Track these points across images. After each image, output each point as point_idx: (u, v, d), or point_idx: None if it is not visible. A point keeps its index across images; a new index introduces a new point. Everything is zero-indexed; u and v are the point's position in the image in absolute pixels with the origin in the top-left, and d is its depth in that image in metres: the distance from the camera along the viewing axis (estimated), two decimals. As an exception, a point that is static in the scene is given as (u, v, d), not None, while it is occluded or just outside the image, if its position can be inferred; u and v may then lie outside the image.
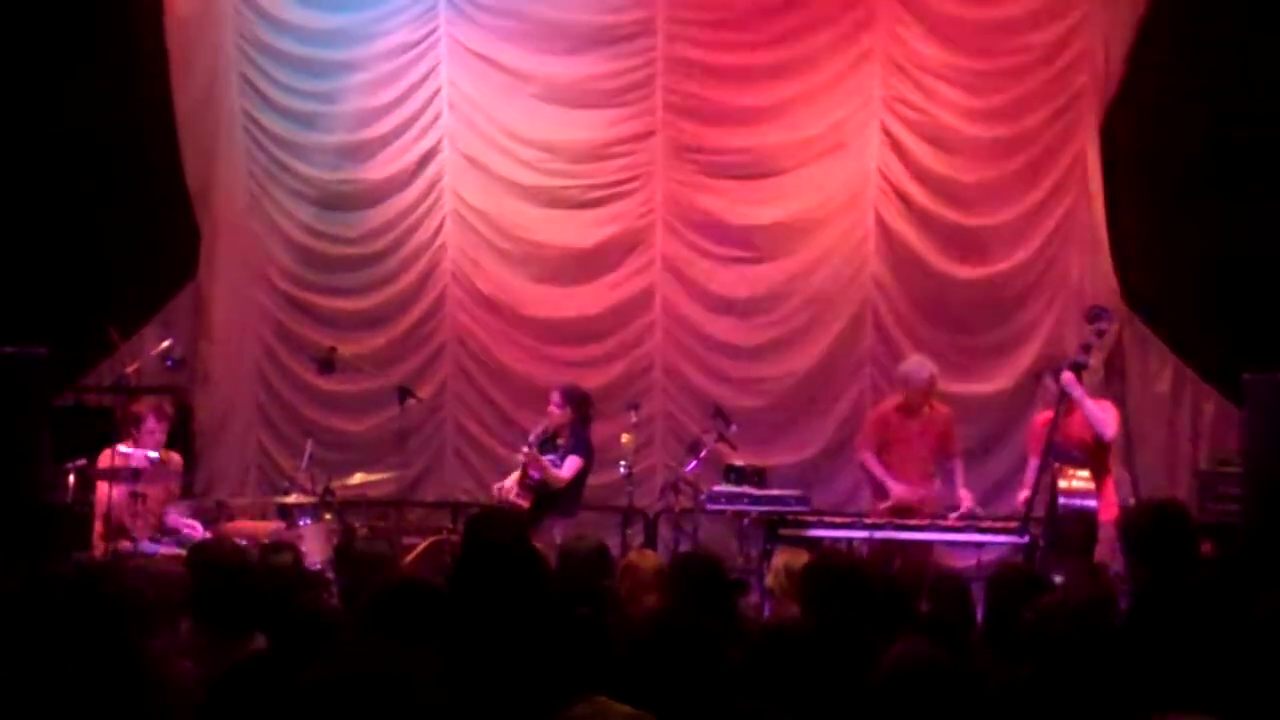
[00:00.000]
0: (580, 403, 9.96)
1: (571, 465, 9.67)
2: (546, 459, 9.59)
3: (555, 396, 9.92)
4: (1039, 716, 4.08)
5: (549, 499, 9.64)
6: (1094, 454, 8.84)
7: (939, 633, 4.79)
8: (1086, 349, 8.80)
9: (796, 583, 5.94)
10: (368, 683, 3.17)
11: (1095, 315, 8.93)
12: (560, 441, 9.85)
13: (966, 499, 9.67)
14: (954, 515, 9.49)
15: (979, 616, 5.67)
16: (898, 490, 9.66)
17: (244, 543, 8.34)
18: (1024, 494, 9.02)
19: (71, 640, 3.98)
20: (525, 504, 9.56)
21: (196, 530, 9.33)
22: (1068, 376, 8.68)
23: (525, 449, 9.58)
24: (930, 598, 5.59)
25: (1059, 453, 8.69)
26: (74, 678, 3.58)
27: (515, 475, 9.77)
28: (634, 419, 10.38)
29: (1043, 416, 9.16)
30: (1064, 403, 8.76)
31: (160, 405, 9.52)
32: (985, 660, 4.78)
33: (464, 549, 5.20)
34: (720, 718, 3.67)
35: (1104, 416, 8.85)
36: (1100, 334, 8.80)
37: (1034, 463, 9.02)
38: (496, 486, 9.92)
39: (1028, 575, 6.01)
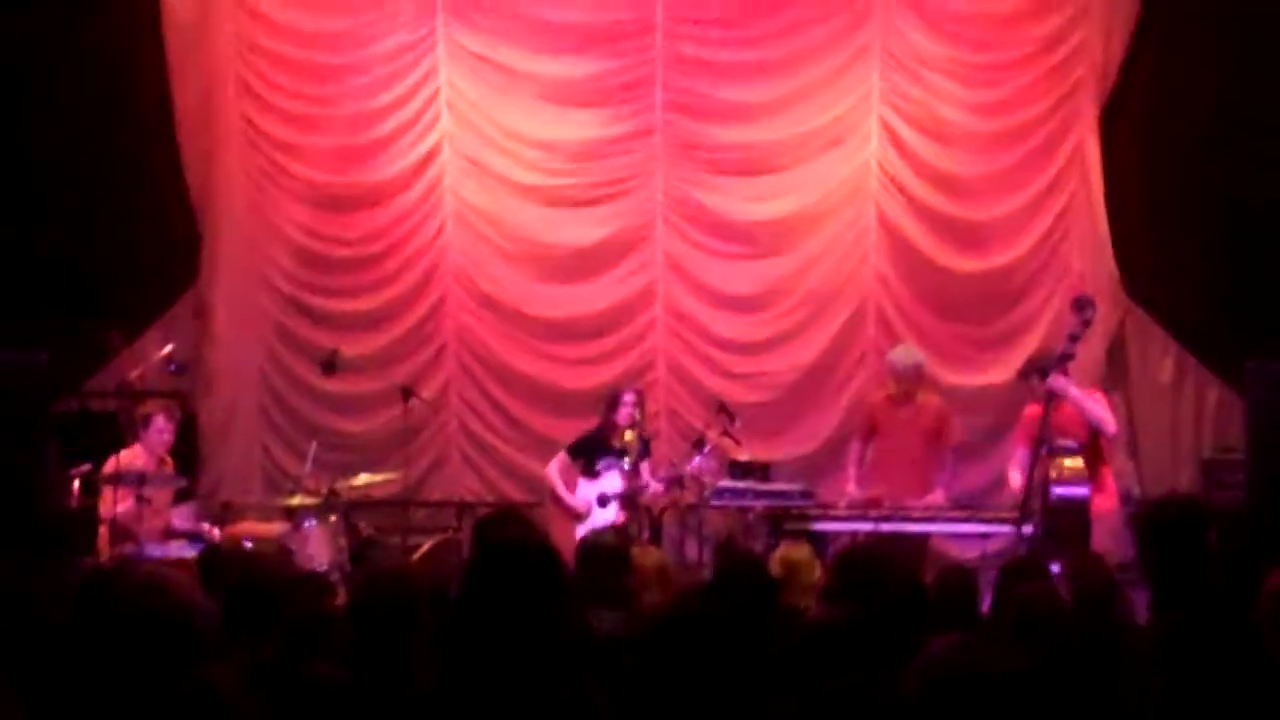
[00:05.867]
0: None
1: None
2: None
3: (631, 398, 9.98)
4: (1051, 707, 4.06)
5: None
6: (1088, 444, 8.67)
7: (946, 623, 4.78)
8: (1074, 339, 8.66)
9: (797, 575, 5.94)
10: None
11: (1082, 304, 8.77)
12: (618, 444, 9.98)
13: (937, 495, 9.64)
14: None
15: (983, 606, 5.66)
16: (849, 491, 9.71)
17: (249, 544, 8.42)
18: (1018, 480, 8.86)
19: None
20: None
21: (212, 533, 9.35)
22: (1059, 382, 8.50)
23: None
24: (935, 588, 5.56)
25: (1052, 445, 8.60)
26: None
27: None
28: (637, 415, 10.39)
29: (1033, 409, 8.91)
30: (1053, 399, 8.57)
31: (169, 406, 9.53)
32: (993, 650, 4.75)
33: (478, 550, 5.14)
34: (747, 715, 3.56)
35: (1104, 414, 8.72)
36: (1087, 323, 8.67)
37: (1021, 453, 8.97)
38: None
39: (1038, 565, 6.00)
